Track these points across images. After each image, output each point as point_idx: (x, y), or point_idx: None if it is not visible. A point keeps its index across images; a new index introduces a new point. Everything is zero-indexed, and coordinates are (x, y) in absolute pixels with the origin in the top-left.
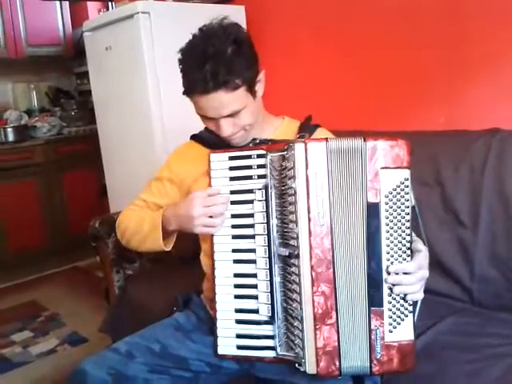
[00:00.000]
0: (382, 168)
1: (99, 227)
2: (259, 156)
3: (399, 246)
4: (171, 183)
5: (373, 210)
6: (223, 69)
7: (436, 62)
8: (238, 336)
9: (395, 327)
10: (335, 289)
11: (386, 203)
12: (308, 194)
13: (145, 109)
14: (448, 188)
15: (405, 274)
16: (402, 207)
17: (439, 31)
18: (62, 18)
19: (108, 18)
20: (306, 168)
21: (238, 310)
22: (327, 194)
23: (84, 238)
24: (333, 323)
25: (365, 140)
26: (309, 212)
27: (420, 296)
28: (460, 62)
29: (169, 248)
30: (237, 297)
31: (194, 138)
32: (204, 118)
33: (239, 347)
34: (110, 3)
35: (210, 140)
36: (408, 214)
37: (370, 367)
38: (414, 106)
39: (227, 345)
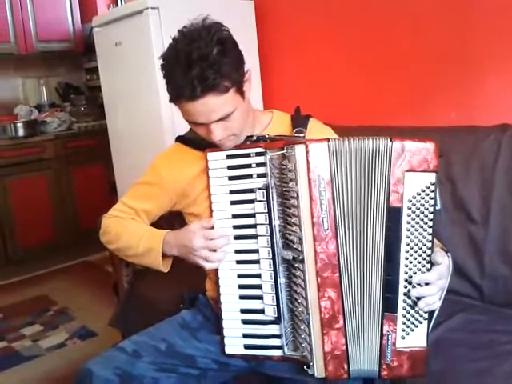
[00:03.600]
0: (407, 171)
1: None
2: (258, 154)
3: (419, 252)
4: (161, 189)
5: (394, 215)
6: (211, 72)
7: (447, 57)
8: (245, 336)
9: (408, 333)
10: (341, 293)
11: (409, 208)
12: (311, 197)
13: (155, 104)
14: (459, 184)
15: (426, 284)
16: (426, 212)
17: (449, 26)
18: (72, 13)
19: (117, 14)
20: (308, 171)
21: (243, 311)
22: (331, 197)
23: (93, 233)
24: (340, 327)
25: (391, 140)
26: (312, 217)
27: (437, 305)
28: (471, 56)
29: (166, 270)
30: (242, 297)
31: (180, 140)
32: (193, 123)
33: (246, 347)
34: None
35: (199, 141)
36: (431, 219)
37: (379, 371)
38: (424, 101)
39: (234, 344)
